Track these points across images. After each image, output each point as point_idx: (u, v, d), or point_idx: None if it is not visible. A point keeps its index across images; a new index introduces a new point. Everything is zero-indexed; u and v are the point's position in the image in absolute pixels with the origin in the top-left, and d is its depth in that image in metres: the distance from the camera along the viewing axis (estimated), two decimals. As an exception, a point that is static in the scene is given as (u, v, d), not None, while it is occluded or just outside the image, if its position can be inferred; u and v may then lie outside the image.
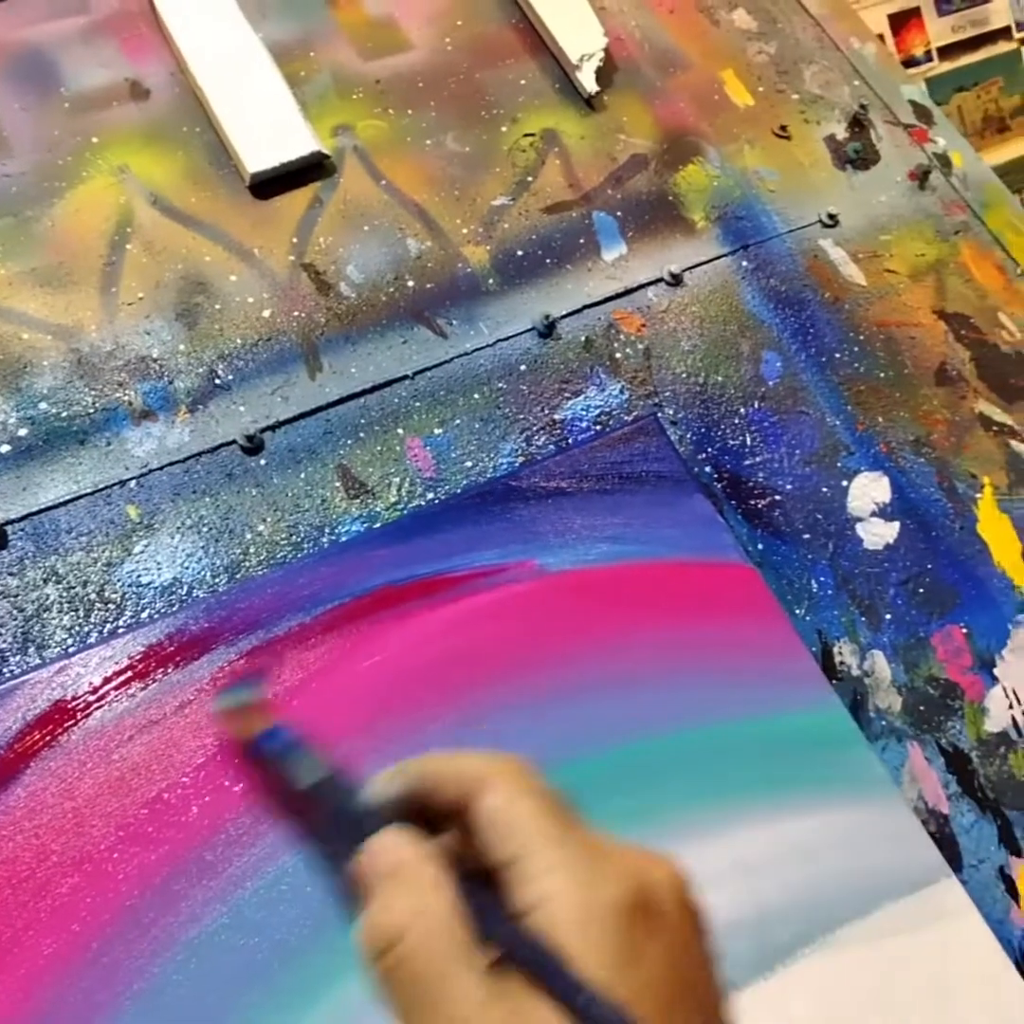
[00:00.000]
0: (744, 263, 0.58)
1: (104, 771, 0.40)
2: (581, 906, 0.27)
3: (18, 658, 0.43)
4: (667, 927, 0.28)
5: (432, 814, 0.31)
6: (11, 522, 0.45)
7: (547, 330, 0.54)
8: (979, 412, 0.57)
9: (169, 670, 0.42)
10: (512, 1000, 0.26)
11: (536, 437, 0.51)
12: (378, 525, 0.48)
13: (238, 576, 0.46)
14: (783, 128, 0.63)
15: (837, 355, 0.56)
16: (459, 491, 0.49)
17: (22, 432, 0.47)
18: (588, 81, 0.61)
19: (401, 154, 0.58)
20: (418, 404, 0.51)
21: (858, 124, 0.64)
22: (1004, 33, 1.14)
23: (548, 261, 0.56)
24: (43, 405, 0.48)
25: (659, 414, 0.53)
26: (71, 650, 0.43)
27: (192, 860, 0.39)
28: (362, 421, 0.50)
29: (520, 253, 0.56)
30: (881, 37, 0.90)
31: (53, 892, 0.38)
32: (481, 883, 0.29)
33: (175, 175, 0.55)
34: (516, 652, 0.45)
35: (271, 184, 0.55)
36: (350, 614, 0.45)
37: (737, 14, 0.67)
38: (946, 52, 0.98)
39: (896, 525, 0.52)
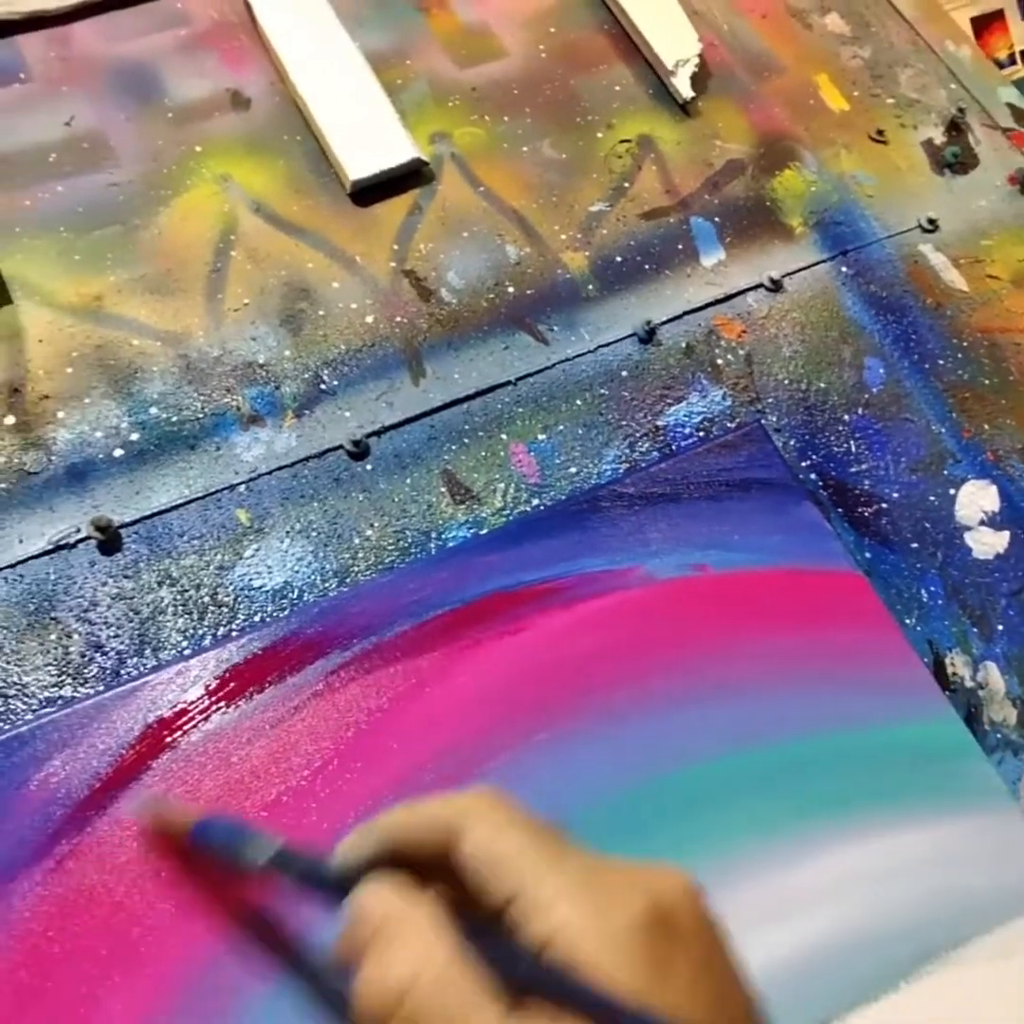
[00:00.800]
0: (843, 269, 0.58)
1: (224, 774, 0.40)
2: (598, 932, 0.26)
3: (136, 660, 0.43)
4: (688, 939, 0.27)
5: (412, 870, 0.29)
6: (125, 525, 0.46)
7: (648, 336, 0.53)
8: (1087, 419, 0.56)
9: (284, 674, 0.43)
10: None
11: (639, 443, 0.51)
12: (485, 531, 0.48)
13: (347, 581, 0.46)
14: (879, 132, 0.62)
15: (940, 361, 0.56)
16: (564, 497, 0.49)
17: (134, 436, 0.48)
18: (683, 87, 0.61)
19: (498, 161, 0.58)
20: (521, 410, 0.51)
21: (955, 128, 0.63)
22: (1088, 36, 1.12)
23: (647, 267, 0.56)
24: (154, 410, 0.49)
25: (763, 421, 0.52)
26: (186, 653, 0.43)
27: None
28: (466, 427, 0.50)
29: (618, 259, 0.56)
30: (961, 41, 0.89)
31: (177, 893, 0.38)
32: (483, 928, 0.27)
33: (277, 183, 0.55)
34: (626, 660, 0.45)
35: (371, 191, 0.56)
36: (461, 620, 0.45)
37: (830, 18, 0.66)
38: (1028, 56, 0.96)
39: (1006, 534, 0.51)
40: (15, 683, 0.42)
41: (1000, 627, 0.49)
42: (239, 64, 0.59)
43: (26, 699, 0.42)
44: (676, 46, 0.61)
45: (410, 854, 0.30)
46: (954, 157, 0.62)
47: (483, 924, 0.27)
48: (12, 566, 0.44)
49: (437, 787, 0.41)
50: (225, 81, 0.58)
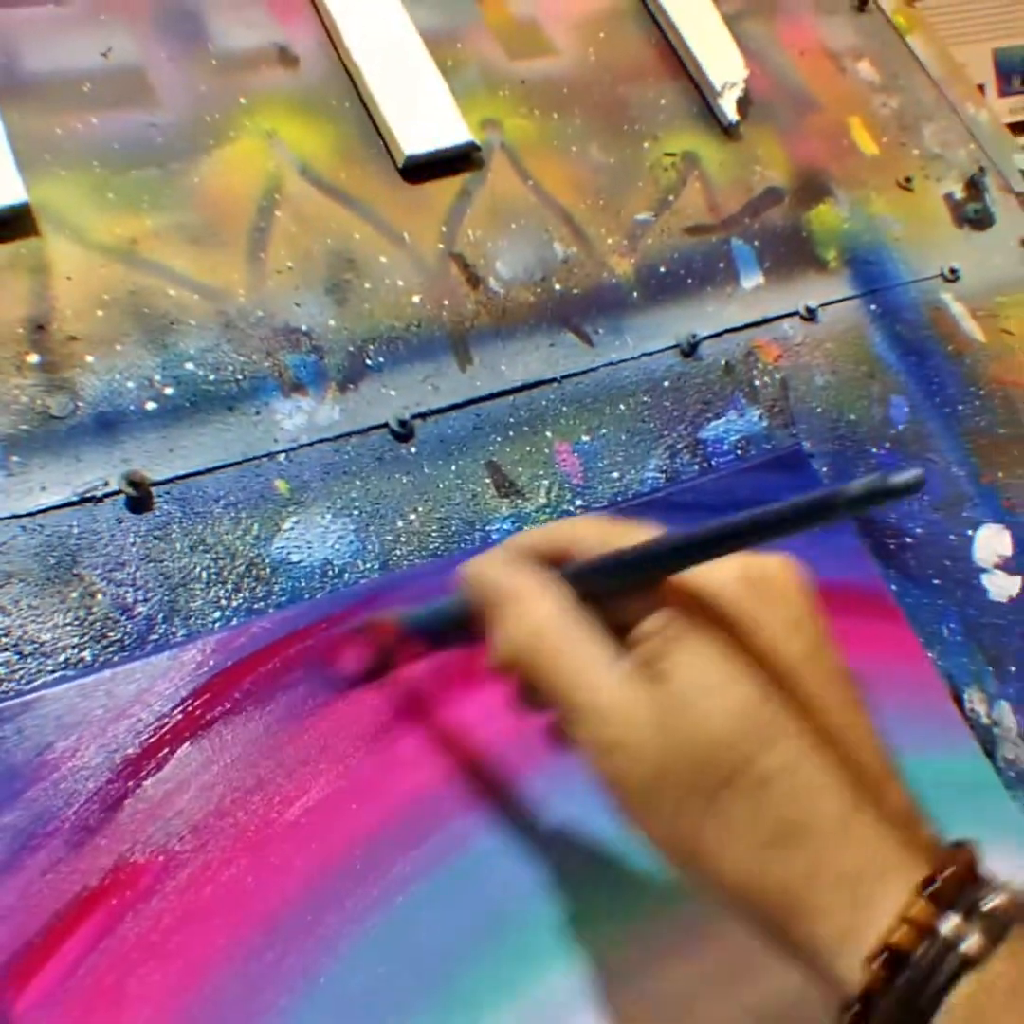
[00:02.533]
0: (873, 306, 0.59)
1: (257, 758, 0.38)
2: (698, 576, 0.29)
3: (164, 628, 0.40)
4: (779, 595, 0.29)
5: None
6: (157, 484, 0.43)
7: (690, 349, 0.53)
8: (1089, 478, 0.58)
9: (326, 658, 0.40)
10: (660, 681, 0.27)
11: (680, 455, 0.50)
12: (529, 528, 0.46)
13: (390, 564, 0.44)
14: (907, 180, 0.64)
15: (960, 406, 0.57)
16: (605, 503, 0.48)
17: (169, 391, 0.45)
18: (729, 109, 0.61)
19: (548, 156, 0.57)
20: (566, 409, 0.50)
21: (974, 186, 0.66)
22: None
23: (689, 281, 0.56)
24: (190, 365, 0.46)
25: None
26: (218, 625, 0.40)
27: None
28: (511, 420, 0.49)
29: (663, 270, 0.56)
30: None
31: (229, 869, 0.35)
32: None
33: (325, 148, 0.53)
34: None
35: (421, 169, 0.54)
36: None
37: (862, 65, 0.68)
38: (1002, 132, 1.01)
39: (1019, 579, 0.53)
40: (31, 640, 0.39)
41: (1013, 668, 0.50)
42: (288, 19, 0.56)
43: (43, 658, 0.38)
44: (724, 68, 0.62)
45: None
46: (974, 214, 0.64)
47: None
48: (32, 514, 0.41)
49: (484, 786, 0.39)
50: (273, 35, 0.55)
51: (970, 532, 0.53)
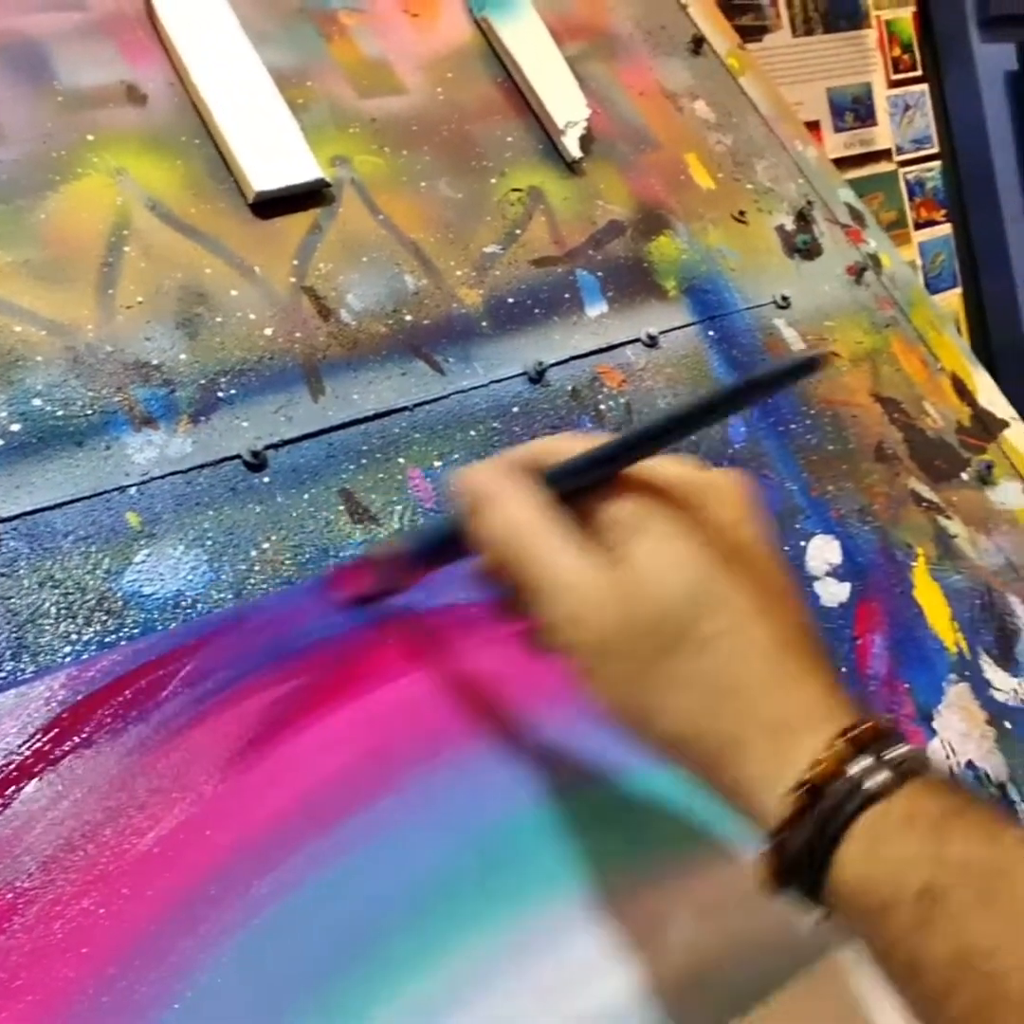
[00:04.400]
0: (711, 333, 0.62)
1: (107, 793, 0.38)
2: (654, 468, 0.33)
3: (12, 665, 0.40)
4: (727, 496, 0.34)
5: None
6: (4, 520, 0.43)
7: (538, 376, 0.56)
8: (911, 488, 0.62)
9: (178, 686, 0.41)
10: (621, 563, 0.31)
11: (529, 478, 0.52)
12: (382, 551, 0.48)
13: (243, 593, 0.45)
14: (741, 213, 0.68)
15: (792, 425, 0.61)
16: (458, 524, 0.50)
17: (14, 427, 0.45)
18: (572, 146, 0.64)
19: (398, 192, 0.59)
20: (418, 435, 0.52)
21: (803, 218, 0.70)
22: (887, 154, 1.26)
23: (536, 311, 0.58)
24: (37, 401, 0.46)
25: (642, 466, 0.55)
26: (67, 660, 0.41)
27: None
28: (364, 448, 0.50)
29: (511, 300, 0.58)
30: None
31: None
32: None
33: (174, 184, 0.54)
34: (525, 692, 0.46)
35: (272, 205, 0.55)
36: (359, 640, 0.44)
37: (698, 104, 0.72)
38: (839, 164, 1.08)
39: (847, 586, 0.56)
40: None
41: (844, 669, 0.54)
42: (137, 58, 0.57)
43: None
44: (566, 108, 0.65)
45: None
46: (804, 244, 0.68)
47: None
48: None
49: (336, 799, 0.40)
50: (121, 73, 0.56)
51: (803, 543, 0.57)
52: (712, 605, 0.30)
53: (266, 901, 0.38)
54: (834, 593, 0.56)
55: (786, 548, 0.56)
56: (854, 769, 0.29)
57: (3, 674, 0.40)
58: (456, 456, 0.52)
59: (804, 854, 0.29)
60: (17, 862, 0.35)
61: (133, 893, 0.36)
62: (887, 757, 0.29)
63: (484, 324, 0.56)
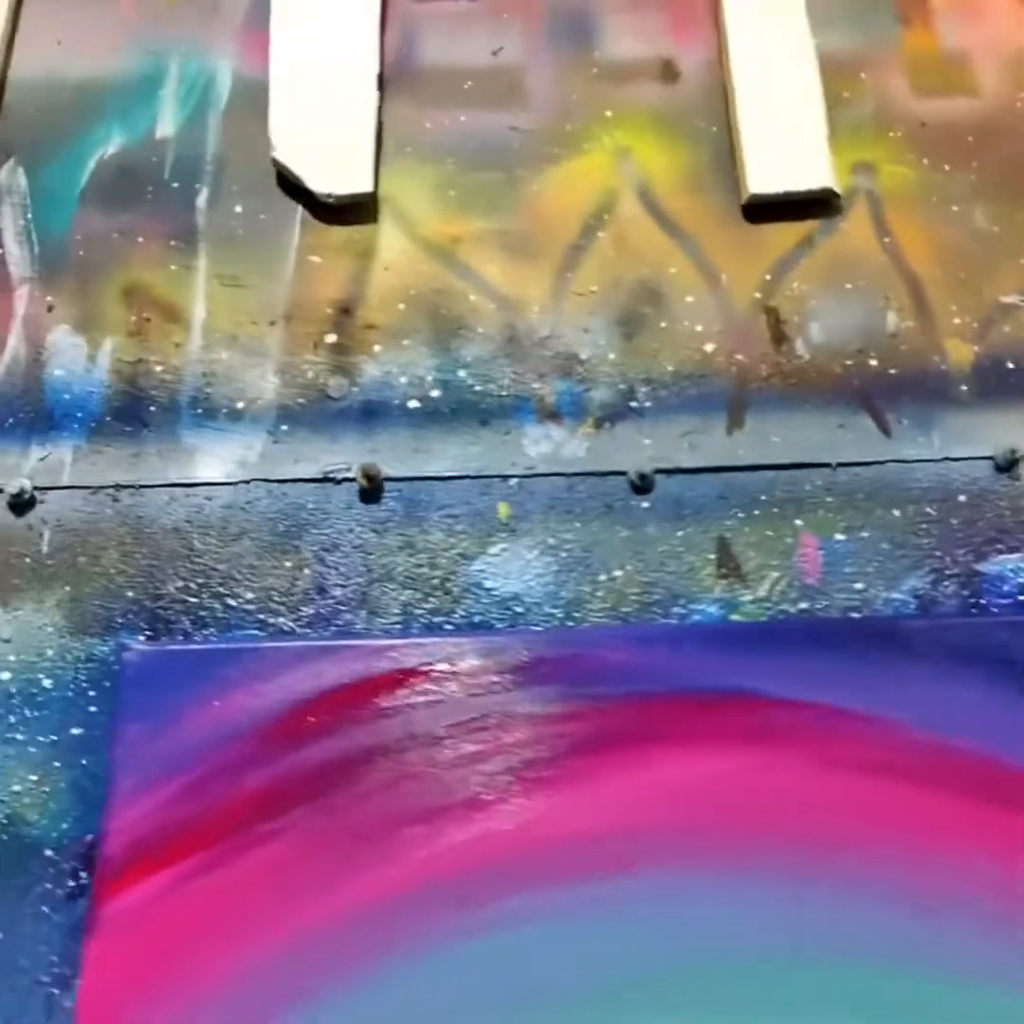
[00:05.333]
0: None
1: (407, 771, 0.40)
2: None
3: (349, 616, 0.43)
4: None
5: None
6: (390, 479, 0.46)
7: (1008, 465, 0.46)
8: None
9: (489, 688, 0.41)
10: None
11: (945, 583, 0.44)
12: (736, 618, 0.43)
13: (575, 616, 0.44)
14: None
15: None
16: (837, 613, 0.44)
17: (434, 393, 0.47)
18: None
19: (918, 213, 0.51)
20: (830, 500, 0.46)
21: None
22: None
23: (1041, 386, 0.48)
24: (462, 373, 0.48)
25: (1107, 612, 0.44)
26: (398, 627, 0.43)
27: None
28: (763, 498, 0.46)
29: (1009, 365, 0.48)
30: None
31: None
32: None
33: (673, 170, 0.52)
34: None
35: (766, 209, 0.51)
36: (689, 708, 0.41)
37: None
38: None
39: None
40: (238, 594, 0.44)
41: None
42: (684, 32, 0.55)
43: (241, 614, 0.43)
44: None
45: None
46: None
47: None
48: (280, 482, 0.46)
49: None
50: (663, 47, 0.54)
51: None
52: None
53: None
54: None
55: None
56: None
57: (340, 622, 0.43)
58: (865, 534, 0.45)
59: None
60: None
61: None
62: None
63: (963, 388, 0.48)
